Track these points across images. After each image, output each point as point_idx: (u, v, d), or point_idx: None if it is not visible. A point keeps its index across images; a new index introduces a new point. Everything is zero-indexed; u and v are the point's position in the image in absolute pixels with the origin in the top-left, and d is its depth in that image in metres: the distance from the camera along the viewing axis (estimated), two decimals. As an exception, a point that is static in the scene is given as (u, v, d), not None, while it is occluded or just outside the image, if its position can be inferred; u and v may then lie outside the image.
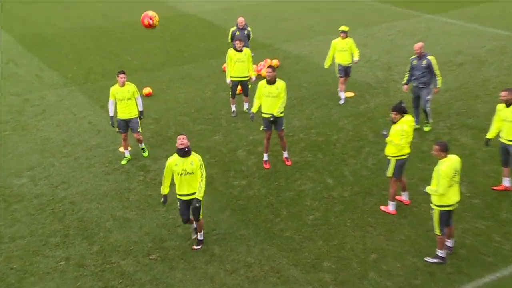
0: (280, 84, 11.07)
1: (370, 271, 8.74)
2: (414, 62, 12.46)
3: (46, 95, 15.90)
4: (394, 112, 9.59)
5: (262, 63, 16.94)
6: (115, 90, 11.54)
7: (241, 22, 15.81)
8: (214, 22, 22.43)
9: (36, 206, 10.58)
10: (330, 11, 23.42)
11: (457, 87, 15.17)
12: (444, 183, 8.25)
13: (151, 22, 10.99)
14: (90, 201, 10.78)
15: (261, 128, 11.56)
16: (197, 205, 8.76)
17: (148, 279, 8.67)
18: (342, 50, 14.20)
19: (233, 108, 14.11)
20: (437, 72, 12.36)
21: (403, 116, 9.57)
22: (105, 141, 13.09)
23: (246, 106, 14.25)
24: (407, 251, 9.13)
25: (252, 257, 9.09)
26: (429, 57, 12.28)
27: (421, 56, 12.32)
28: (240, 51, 13.41)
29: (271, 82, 11.01)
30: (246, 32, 15.87)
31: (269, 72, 11.03)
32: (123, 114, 11.66)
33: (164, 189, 8.98)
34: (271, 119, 11.10)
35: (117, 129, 11.90)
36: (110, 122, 11.84)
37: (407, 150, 9.70)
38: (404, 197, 10.34)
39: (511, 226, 9.60)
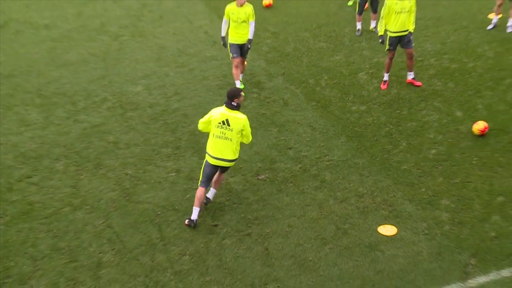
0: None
1: (494, 215, 8.50)
2: None
3: (164, 0, 16.27)
4: None
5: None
6: (231, 9, 11.23)
7: None
8: None
9: (150, 115, 10.97)
10: None
11: None
12: None
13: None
14: (202, 115, 10.57)
15: (386, 47, 11.32)
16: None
17: (255, 199, 8.88)
18: None
19: (359, 26, 13.87)
20: None
21: None
22: (220, 53, 13.19)
23: (373, 24, 13.95)
24: (544, 196, 8.75)
25: (365, 187, 9.10)
26: None
27: None
28: None
29: None
30: None
31: None
32: (236, 38, 11.32)
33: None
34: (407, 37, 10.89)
35: (230, 55, 11.35)
36: (222, 43, 11.64)
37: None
38: (544, 138, 9.77)
39: None
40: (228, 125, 8.13)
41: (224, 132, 8.16)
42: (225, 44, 11.56)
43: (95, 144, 10.22)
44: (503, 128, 10.30)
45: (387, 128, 10.52)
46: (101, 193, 9.08)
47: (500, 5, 13.46)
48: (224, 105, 8.28)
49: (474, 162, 9.56)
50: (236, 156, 8.34)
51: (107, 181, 9.31)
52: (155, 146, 10.17)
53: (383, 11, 10.98)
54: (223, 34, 11.53)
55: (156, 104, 11.42)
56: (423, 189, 9.01)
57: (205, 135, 8.69)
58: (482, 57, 12.54)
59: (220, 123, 8.17)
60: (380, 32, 11.14)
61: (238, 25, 11.26)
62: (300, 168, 9.57)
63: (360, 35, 13.78)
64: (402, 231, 8.24)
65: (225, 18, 11.36)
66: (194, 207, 8.39)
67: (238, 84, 11.59)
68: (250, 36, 11.38)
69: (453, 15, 14.47)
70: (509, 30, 13.50)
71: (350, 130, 10.49)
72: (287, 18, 15.03)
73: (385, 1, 11.00)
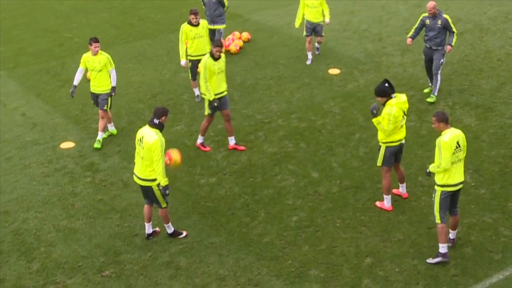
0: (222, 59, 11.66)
1: (364, 278, 8.87)
2: (428, 21, 13.18)
3: (-33, 82, 15.79)
4: (377, 97, 9.73)
5: (230, 36, 16.99)
6: (86, 57, 12.31)
7: None
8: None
9: (-40, 218, 10.51)
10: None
11: (458, 60, 15.44)
12: (447, 155, 8.58)
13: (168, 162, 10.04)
14: (26, 209, 10.70)
15: (206, 111, 11.80)
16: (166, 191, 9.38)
17: (101, 301, 8.68)
18: (312, 7, 15.09)
19: (197, 92, 14.11)
20: (454, 30, 13.15)
21: (390, 98, 9.64)
22: (42, 136, 12.98)
23: (196, 91, 14.13)
24: (406, 253, 9.30)
25: (226, 268, 9.12)
26: (445, 16, 13.10)
27: (435, 16, 12.99)
28: (197, 25, 13.48)
29: (217, 58, 11.58)
30: None
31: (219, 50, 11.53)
32: (93, 87, 12.40)
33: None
34: (215, 103, 11.61)
35: (92, 102, 12.74)
36: (70, 91, 12.38)
37: (400, 136, 9.81)
38: (402, 190, 10.51)
39: (521, 219, 9.88)
40: (141, 142, 9.14)
41: (139, 150, 9.25)
42: (73, 93, 12.40)
43: None
44: (360, 185, 10.90)
45: (242, 199, 10.69)
46: None
47: (310, 42, 15.47)
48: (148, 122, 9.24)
49: (337, 224, 9.96)
50: (149, 176, 9.18)
51: None
52: (-30, 254, 9.61)
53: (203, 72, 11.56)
54: (75, 83, 12.38)
55: (-33, 204, 10.87)
56: (289, 261, 9.19)
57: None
58: (329, 113, 13.30)
59: (138, 140, 9.28)
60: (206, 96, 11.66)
61: (95, 74, 12.25)
62: (150, 256, 9.45)
63: (200, 101, 13.96)
64: (273, 311, 8.30)
65: (80, 67, 12.40)
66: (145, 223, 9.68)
67: (100, 136, 12.39)
68: (113, 83, 12.40)
69: (294, 73, 15.25)
70: (308, 62, 15.43)
71: (201, 206, 10.56)
72: (117, 89, 14.84)
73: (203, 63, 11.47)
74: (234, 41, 16.69)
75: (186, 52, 13.68)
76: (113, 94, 12.44)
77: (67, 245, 9.80)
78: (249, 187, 11.00)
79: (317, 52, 16.01)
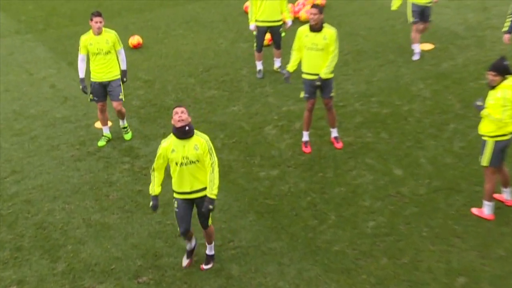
0: (329, 32, 11.06)
1: (456, 302, 8.73)
2: None
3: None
4: (492, 73, 9.54)
5: (301, 1, 16.95)
6: (87, 39, 11.55)
7: None
8: None
9: (-26, 206, 10.67)
10: None
11: None
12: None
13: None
14: (53, 199, 10.76)
15: (301, 94, 11.57)
16: (210, 207, 8.66)
17: (136, 313, 8.76)
18: None
19: (259, 66, 14.11)
20: None
21: (505, 79, 9.50)
22: (74, 113, 13.04)
23: (278, 63, 14.25)
24: (509, 274, 9.03)
25: (286, 280, 8.97)
26: None
27: None
28: None
29: (316, 28, 11.02)
30: None
31: (314, 14, 11.00)
32: (99, 75, 11.66)
33: (155, 188, 8.85)
34: (317, 82, 11.14)
35: (91, 96, 11.89)
36: (81, 86, 11.83)
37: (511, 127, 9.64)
38: (506, 195, 10.30)
39: None
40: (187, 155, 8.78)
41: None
42: (85, 88, 11.71)
43: None
44: (453, 186, 10.67)
45: (309, 198, 10.59)
46: None
47: (418, 31, 14.39)
48: None
49: (424, 234, 9.77)
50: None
51: None
52: (-16, 250, 9.83)
53: (293, 44, 11.31)
54: (81, 75, 11.68)
55: (-17, 189, 11.13)
56: (363, 276, 9.02)
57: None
58: (418, 98, 13.12)
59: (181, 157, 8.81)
60: (288, 67, 11.39)
61: (101, 58, 11.52)
62: (196, 261, 9.38)
63: (262, 77, 14.02)
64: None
65: (81, 53, 11.61)
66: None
67: (106, 131, 12.03)
68: (122, 66, 11.75)
69: (376, 47, 15.14)
70: (415, 58, 14.57)
71: (260, 204, 10.49)
72: (163, 61, 15.15)
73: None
74: (305, 6, 16.61)
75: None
76: (124, 79, 11.89)
77: (99, 244, 9.82)
78: (318, 184, 10.89)
79: None
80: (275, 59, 14.31)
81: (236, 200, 10.58)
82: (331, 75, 11.22)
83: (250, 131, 12.36)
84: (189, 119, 8.58)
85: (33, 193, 10.94)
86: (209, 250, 9.31)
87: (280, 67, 14.15)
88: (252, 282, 9.00)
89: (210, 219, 8.98)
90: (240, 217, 10.23)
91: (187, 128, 8.52)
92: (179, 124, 8.47)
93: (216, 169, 8.65)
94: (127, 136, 12.26)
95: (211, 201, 8.59)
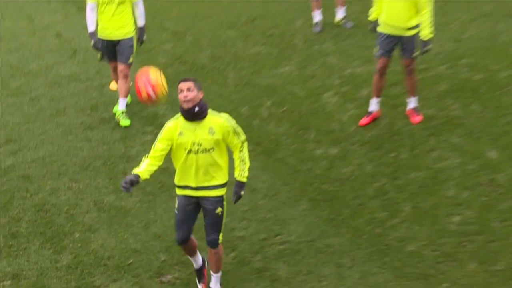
0: None
1: None
2: None
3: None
4: None
5: None
6: None
7: None
8: None
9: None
10: None
11: None
12: None
13: (152, 94, 8.66)
14: (57, 176, 10.33)
15: (375, 51, 10.96)
16: (242, 193, 7.98)
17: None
18: None
19: (318, 17, 13.59)
20: None
21: None
22: (85, 69, 12.81)
23: (341, 14, 13.74)
24: None
25: (347, 286, 8.41)
26: None
27: None
28: None
29: None
30: None
31: None
32: (107, 31, 11.10)
33: (142, 170, 7.81)
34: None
35: (99, 55, 11.45)
36: (91, 42, 11.23)
37: None
38: None
39: None
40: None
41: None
42: (97, 44, 11.21)
43: None
44: None
45: (378, 184, 10.00)
46: None
47: None
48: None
49: (524, 234, 8.98)
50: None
51: None
52: (-29, 237, 9.30)
53: None
54: (91, 28, 11.12)
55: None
56: (445, 284, 8.34)
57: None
58: (519, 62, 12.35)
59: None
60: (370, 16, 10.98)
61: (111, 9, 10.96)
62: (234, 258, 8.88)
63: (321, 31, 13.59)
64: None
65: (90, 2, 11.03)
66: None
67: (123, 105, 11.29)
68: (140, 23, 11.22)
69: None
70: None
71: (315, 190, 9.98)
72: (196, 7, 14.94)
73: None
74: None
75: None
76: (144, 38, 11.32)
77: (113, 233, 9.33)
78: (389, 167, 10.23)
79: None
80: (337, 8, 13.77)
81: (285, 184, 10.10)
82: (413, 32, 10.65)
83: (305, 98, 11.85)
84: (200, 96, 7.78)
85: (33, 167, 10.58)
86: (215, 284, 8.47)
87: (344, 18, 13.64)
88: (303, 286, 8.56)
89: (221, 234, 8.17)
90: (290, 205, 9.76)
91: (196, 109, 7.75)
92: (185, 106, 7.71)
93: (246, 147, 8.08)
94: (124, 122, 11.35)
95: (242, 185, 7.97)
